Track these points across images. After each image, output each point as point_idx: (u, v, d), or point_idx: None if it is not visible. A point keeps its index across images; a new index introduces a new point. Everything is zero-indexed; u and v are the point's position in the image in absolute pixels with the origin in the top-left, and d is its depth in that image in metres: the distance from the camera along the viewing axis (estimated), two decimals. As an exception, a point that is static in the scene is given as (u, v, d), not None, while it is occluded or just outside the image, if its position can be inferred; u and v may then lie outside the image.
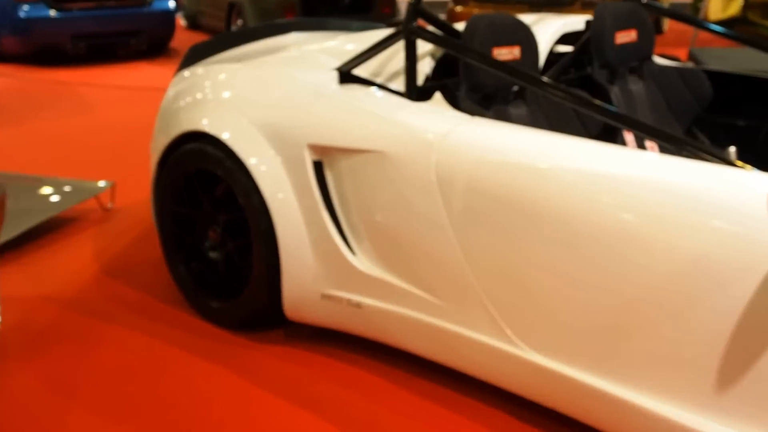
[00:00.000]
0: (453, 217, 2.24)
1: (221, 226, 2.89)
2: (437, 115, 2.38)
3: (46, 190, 4.03)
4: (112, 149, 5.45)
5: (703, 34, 8.79)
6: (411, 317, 2.43)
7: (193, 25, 12.43)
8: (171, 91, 3.14)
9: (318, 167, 2.57)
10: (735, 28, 9.70)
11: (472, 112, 2.38)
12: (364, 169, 2.45)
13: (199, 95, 2.92)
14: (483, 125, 2.29)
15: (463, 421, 2.35)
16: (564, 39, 3.19)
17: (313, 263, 2.62)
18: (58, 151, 5.42)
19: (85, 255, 3.60)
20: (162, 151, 2.95)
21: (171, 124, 2.93)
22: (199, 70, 3.09)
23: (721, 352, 1.80)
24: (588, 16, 3.19)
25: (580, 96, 2.25)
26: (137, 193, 4.28)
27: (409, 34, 2.50)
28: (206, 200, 2.90)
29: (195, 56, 3.33)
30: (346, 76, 2.65)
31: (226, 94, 2.84)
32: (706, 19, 9.57)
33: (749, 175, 1.83)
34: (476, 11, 9.04)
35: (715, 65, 4.42)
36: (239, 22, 10.05)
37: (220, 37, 3.48)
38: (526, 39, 2.67)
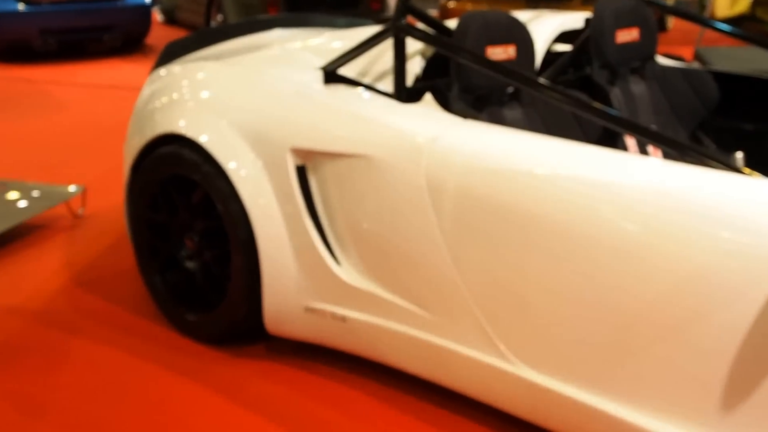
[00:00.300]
0: (444, 225, 2.24)
1: (198, 235, 2.88)
2: (427, 118, 2.38)
3: (12, 195, 4.00)
4: (83, 151, 5.43)
5: (710, 33, 8.84)
6: (399, 331, 2.43)
7: (171, 20, 12.44)
8: (146, 91, 3.14)
9: (301, 172, 2.57)
10: (743, 26, 9.78)
11: (464, 115, 2.38)
12: (349, 175, 2.45)
13: (175, 95, 2.91)
14: (476, 128, 2.29)
15: (455, 442, 2.35)
16: (562, 37, 3.20)
17: (295, 274, 2.61)
18: (25, 153, 5.40)
19: (53, 264, 3.59)
20: (136, 155, 2.95)
21: (145, 126, 2.92)
22: (176, 68, 3.09)
23: (725, 370, 1.81)
24: (587, 14, 3.20)
25: (579, 98, 2.26)
26: (110, 199, 4.27)
27: (398, 32, 2.51)
28: (183, 207, 2.89)
29: (172, 54, 3.33)
30: (331, 75, 2.66)
31: (204, 95, 2.84)
32: (712, 17, 9.63)
33: (757, 182, 1.84)
34: (470, 7, 9.07)
35: (721, 65, 4.44)
36: (219, 17, 10.07)
37: (199, 33, 3.48)
38: (521, 37, 2.68)
